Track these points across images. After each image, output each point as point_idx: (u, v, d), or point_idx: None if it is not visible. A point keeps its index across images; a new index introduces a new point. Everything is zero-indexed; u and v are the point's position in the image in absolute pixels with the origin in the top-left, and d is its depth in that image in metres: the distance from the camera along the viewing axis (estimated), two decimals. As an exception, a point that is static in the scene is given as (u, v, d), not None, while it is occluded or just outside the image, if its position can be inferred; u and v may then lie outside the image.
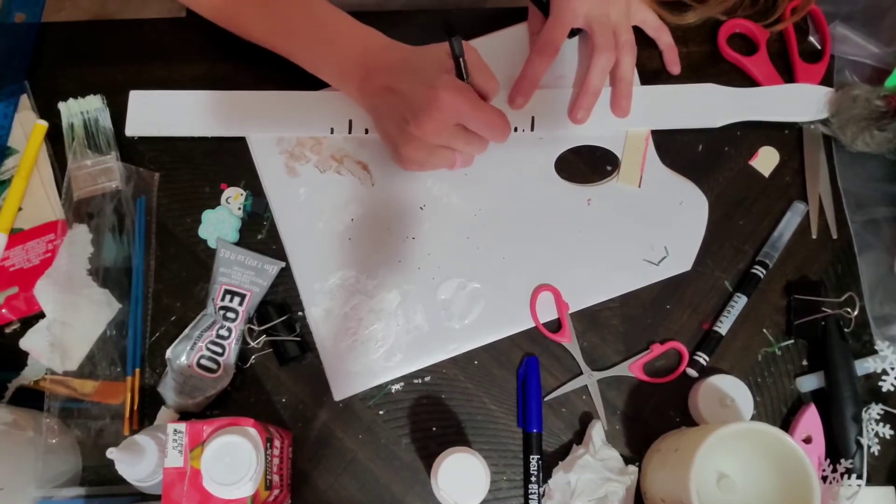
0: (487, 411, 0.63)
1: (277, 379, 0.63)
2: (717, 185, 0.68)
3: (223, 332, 0.62)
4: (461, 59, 0.56)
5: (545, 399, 0.63)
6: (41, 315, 0.63)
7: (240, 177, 0.68)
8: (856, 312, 0.64)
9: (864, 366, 0.63)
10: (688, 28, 0.72)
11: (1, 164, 0.67)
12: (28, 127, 0.68)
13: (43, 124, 0.68)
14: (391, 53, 0.61)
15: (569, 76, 0.70)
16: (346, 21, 0.63)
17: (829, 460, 0.60)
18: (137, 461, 0.52)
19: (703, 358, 0.63)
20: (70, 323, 0.62)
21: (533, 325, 0.64)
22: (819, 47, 0.72)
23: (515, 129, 0.68)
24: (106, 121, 0.68)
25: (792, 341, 0.64)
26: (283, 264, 0.65)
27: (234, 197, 0.67)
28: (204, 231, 0.66)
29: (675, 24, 0.71)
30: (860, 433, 0.60)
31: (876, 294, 0.65)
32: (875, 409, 0.62)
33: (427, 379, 0.64)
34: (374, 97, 0.62)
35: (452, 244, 0.66)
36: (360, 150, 0.68)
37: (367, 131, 0.68)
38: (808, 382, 0.63)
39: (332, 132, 0.68)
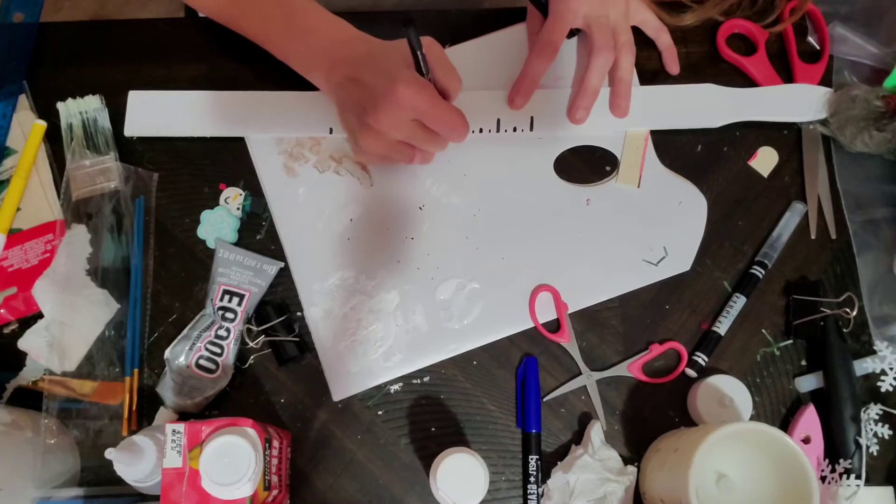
0: (486, 411, 0.63)
1: (276, 379, 0.63)
2: (716, 186, 0.68)
3: (222, 333, 0.62)
4: (419, 53, 0.55)
5: (544, 399, 0.63)
6: (40, 315, 0.63)
7: (239, 177, 0.68)
8: (854, 313, 0.64)
9: (863, 366, 0.63)
10: (687, 28, 0.72)
11: (0, 165, 0.67)
12: (27, 127, 0.68)
13: (41, 124, 0.67)
14: (358, 45, 0.61)
15: (567, 77, 0.70)
16: (317, 11, 0.63)
17: (827, 460, 0.60)
18: (136, 461, 0.52)
19: (702, 358, 0.63)
20: (68, 323, 0.62)
21: (532, 325, 0.64)
22: (818, 48, 0.72)
23: (515, 130, 0.68)
24: (105, 121, 0.68)
25: (791, 341, 0.65)
26: (281, 264, 0.65)
27: (232, 197, 0.67)
28: (203, 231, 0.66)
29: (674, 24, 0.71)
30: (859, 433, 0.60)
31: (875, 294, 0.65)
32: (874, 410, 0.62)
33: (426, 379, 0.64)
34: (339, 87, 0.62)
35: (451, 244, 0.66)
36: (359, 150, 0.68)
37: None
38: (807, 382, 0.63)
39: (331, 132, 0.68)
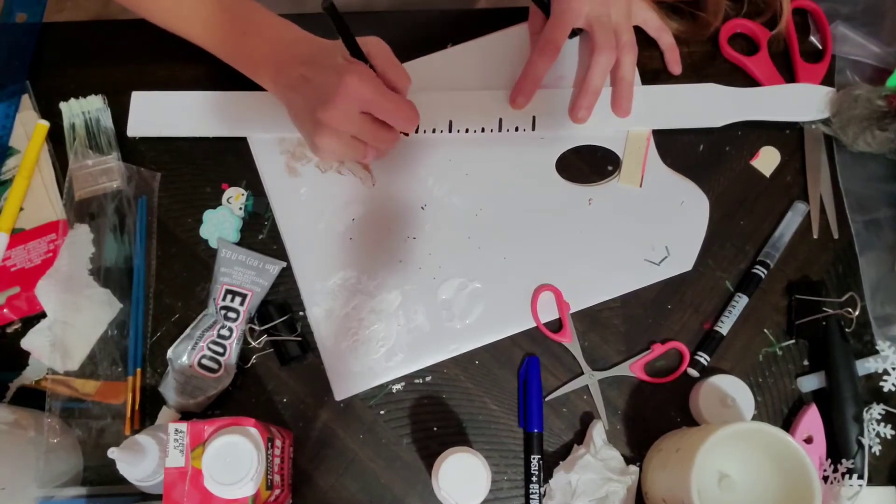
0: (488, 411, 0.63)
1: (278, 379, 0.63)
2: (718, 185, 0.68)
3: (224, 332, 0.62)
4: (348, 35, 0.55)
5: (546, 399, 0.63)
6: (42, 315, 0.63)
7: (241, 177, 0.68)
8: (857, 312, 0.63)
9: (866, 366, 0.62)
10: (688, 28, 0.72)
11: (2, 164, 0.67)
12: (29, 127, 0.68)
13: (44, 124, 0.68)
14: (303, 46, 0.61)
15: (569, 76, 0.70)
16: (260, 13, 0.63)
17: (830, 460, 0.60)
18: (139, 461, 0.52)
19: (704, 358, 0.63)
20: (71, 323, 0.62)
21: (534, 324, 0.64)
22: (820, 47, 0.72)
23: (517, 129, 0.68)
24: (107, 121, 0.68)
25: (793, 341, 0.64)
26: (284, 264, 0.65)
27: (235, 197, 0.67)
28: (205, 231, 0.66)
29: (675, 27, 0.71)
30: (861, 433, 0.60)
31: (877, 294, 0.65)
32: (876, 410, 0.62)
33: (428, 379, 0.64)
34: (288, 90, 0.61)
35: (453, 244, 0.66)
36: (361, 150, 0.68)
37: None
38: (809, 382, 0.63)
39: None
